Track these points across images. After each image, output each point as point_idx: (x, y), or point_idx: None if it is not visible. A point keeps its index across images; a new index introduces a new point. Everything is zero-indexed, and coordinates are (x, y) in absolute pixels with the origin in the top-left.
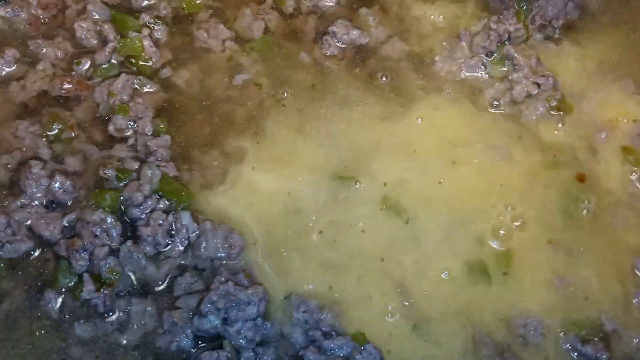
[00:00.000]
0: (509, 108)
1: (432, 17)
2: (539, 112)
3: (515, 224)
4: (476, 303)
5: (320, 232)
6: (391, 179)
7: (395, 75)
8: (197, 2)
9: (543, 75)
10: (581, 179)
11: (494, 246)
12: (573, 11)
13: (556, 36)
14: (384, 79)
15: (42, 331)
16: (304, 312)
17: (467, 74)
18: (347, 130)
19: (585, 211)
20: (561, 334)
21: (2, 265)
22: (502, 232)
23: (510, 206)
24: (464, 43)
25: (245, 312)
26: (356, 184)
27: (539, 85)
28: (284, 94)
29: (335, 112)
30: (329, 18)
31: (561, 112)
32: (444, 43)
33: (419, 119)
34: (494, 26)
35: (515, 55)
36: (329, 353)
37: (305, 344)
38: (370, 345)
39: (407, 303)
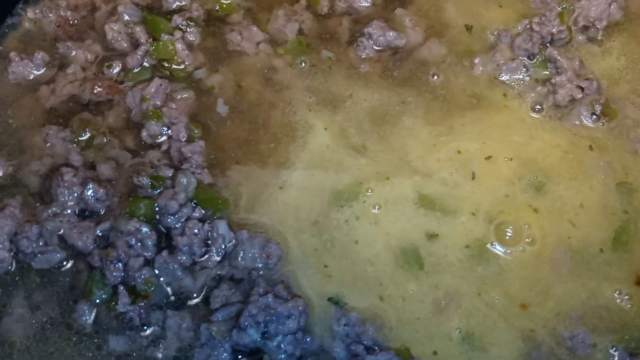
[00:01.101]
0: (552, 112)
1: (470, 17)
2: (582, 117)
3: None
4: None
5: (356, 242)
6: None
7: (434, 78)
8: (229, 2)
9: (587, 79)
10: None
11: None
12: (617, 12)
13: (599, 38)
14: (435, 77)
15: (76, 344)
16: (344, 325)
17: (507, 76)
18: (389, 137)
19: None
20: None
21: (34, 276)
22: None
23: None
24: (504, 45)
25: (285, 325)
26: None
27: (582, 89)
28: (320, 99)
29: (377, 119)
30: (363, 19)
31: (606, 117)
32: (483, 45)
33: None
34: (536, 28)
35: (559, 57)
36: None
37: (347, 359)
38: None
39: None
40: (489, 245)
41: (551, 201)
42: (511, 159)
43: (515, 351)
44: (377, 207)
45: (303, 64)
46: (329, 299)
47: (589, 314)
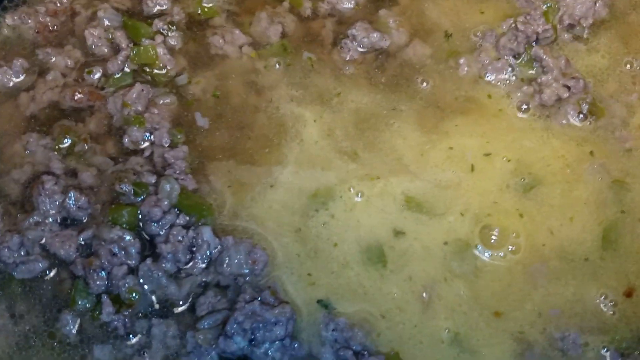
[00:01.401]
0: (538, 112)
1: (454, 18)
2: (569, 116)
3: None
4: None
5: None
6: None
7: (419, 79)
8: (211, 5)
9: (573, 78)
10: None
11: None
12: (602, 10)
13: (585, 36)
14: (425, 84)
15: (59, 354)
16: (333, 330)
17: (493, 76)
18: (374, 139)
19: None
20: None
21: (16, 286)
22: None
23: None
24: (489, 44)
25: (272, 332)
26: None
27: (569, 88)
28: (306, 101)
29: (364, 120)
30: (347, 21)
31: (593, 116)
32: (468, 45)
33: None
34: (521, 27)
35: (544, 56)
36: None
37: None
38: None
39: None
40: (473, 249)
41: (539, 203)
42: (505, 159)
43: (507, 352)
44: (360, 195)
45: (287, 66)
46: (318, 301)
47: (575, 317)
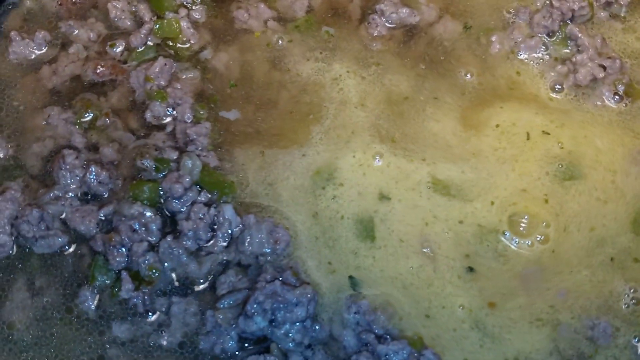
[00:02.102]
0: (573, 92)
1: None
2: (604, 97)
3: None
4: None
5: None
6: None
7: (448, 57)
8: None
9: (609, 57)
10: None
11: None
12: None
13: (622, 14)
14: (468, 75)
15: (78, 330)
16: (355, 313)
17: (526, 55)
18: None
19: None
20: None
21: (35, 260)
22: None
23: None
24: (522, 22)
25: (293, 313)
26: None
27: (604, 68)
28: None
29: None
30: None
31: (629, 98)
32: (500, 21)
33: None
34: (556, 4)
35: (580, 35)
36: (383, 359)
37: (358, 348)
38: (429, 350)
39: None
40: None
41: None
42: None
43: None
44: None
45: (312, 39)
46: (350, 277)
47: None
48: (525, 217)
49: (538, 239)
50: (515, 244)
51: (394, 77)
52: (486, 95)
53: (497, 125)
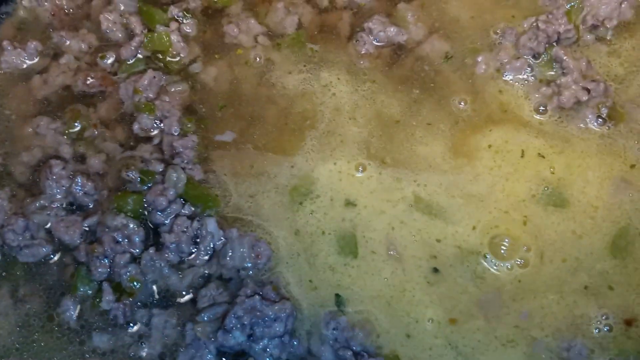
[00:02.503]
0: (556, 114)
1: (474, 14)
2: (587, 120)
3: None
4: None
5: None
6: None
7: (433, 76)
8: None
9: (594, 80)
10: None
11: None
12: (628, 11)
13: (608, 38)
14: (462, 104)
15: (59, 339)
16: (333, 329)
17: (511, 76)
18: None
19: None
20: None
21: (20, 269)
22: None
23: None
24: (509, 43)
25: (271, 328)
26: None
27: (589, 91)
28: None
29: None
30: (365, 14)
31: (612, 121)
32: (487, 42)
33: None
34: (542, 26)
35: (565, 57)
36: None
37: None
38: None
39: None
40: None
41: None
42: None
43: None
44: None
45: (300, 55)
46: (337, 295)
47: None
48: (506, 240)
49: (518, 262)
50: (495, 267)
51: (387, 99)
52: (479, 122)
53: (490, 146)
